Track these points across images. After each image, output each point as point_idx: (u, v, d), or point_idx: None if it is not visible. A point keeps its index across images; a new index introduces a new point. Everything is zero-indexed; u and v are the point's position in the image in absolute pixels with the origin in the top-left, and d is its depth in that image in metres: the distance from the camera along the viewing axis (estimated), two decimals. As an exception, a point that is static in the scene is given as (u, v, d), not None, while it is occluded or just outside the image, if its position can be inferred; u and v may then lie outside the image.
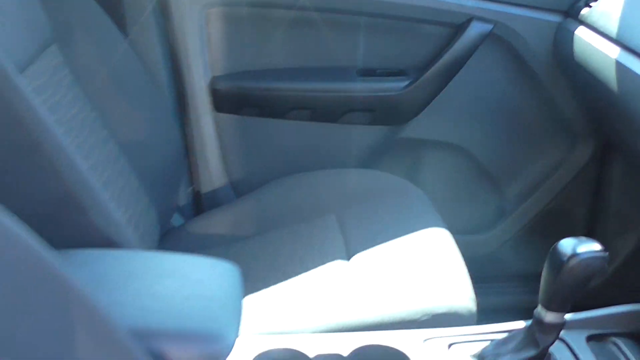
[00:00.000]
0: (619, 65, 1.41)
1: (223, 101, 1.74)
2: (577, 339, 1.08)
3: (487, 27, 1.68)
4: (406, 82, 1.74)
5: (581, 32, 1.58)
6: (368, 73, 1.75)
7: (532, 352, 1.00)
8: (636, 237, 1.75)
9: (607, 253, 0.94)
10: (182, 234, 1.62)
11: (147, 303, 0.86)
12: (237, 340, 0.85)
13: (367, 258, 1.37)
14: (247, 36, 1.72)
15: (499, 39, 1.70)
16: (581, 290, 0.95)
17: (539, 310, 0.98)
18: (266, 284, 1.34)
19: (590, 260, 0.93)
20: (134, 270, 0.93)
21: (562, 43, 1.66)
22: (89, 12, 1.41)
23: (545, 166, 1.84)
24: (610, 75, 1.43)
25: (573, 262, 0.92)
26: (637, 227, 1.74)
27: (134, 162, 1.41)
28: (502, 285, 1.90)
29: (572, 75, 1.68)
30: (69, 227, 1.04)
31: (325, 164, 1.73)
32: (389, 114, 1.77)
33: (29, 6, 1.21)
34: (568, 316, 1.08)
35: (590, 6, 1.62)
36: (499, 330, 1.09)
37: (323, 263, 1.39)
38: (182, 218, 1.76)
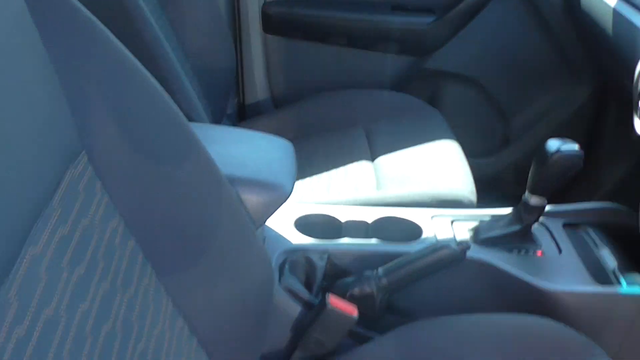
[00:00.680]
0: (616, 13, 1.64)
1: (272, 24, 2.00)
2: (555, 225, 1.35)
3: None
4: (432, 19, 1.99)
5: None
6: (399, 7, 1.99)
7: (517, 228, 1.27)
8: (624, 168, 2.00)
9: (582, 152, 1.20)
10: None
11: (227, 160, 1.13)
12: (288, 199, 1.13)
13: (388, 159, 1.64)
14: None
15: (517, -14, 1.95)
16: (560, 180, 1.22)
17: (526, 194, 1.25)
18: (304, 174, 1.62)
19: (570, 156, 1.19)
20: (213, 137, 1.20)
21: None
22: None
23: (548, 102, 2.09)
24: (608, 22, 1.67)
25: (556, 156, 1.19)
26: (626, 160, 2.00)
27: (195, 68, 1.67)
28: (501, 204, 2.16)
29: (578, 21, 1.92)
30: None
31: (358, 86, 1.98)
32: (415, 45, 2.03)
33: None
34: (549, 207, 1.35)
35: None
36: (493, 213, 1.36)
37: (351, 162, 1.66)
38: (229, 123, 2.03)
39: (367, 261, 1.21)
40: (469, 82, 2.11)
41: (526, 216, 1.26)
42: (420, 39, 2.02)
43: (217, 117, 1.83)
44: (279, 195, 1.10)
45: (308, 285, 1.18)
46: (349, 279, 1.17)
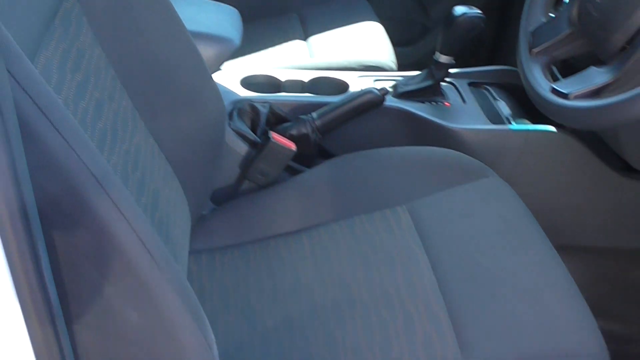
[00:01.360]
0: None
1: None
2: (461, 83, 1.58)
3: None
4: None
5: None
6: None
7: (429, 83, 1.50)
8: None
9: (484, 16, 1.42)
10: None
11: (184, 17, 1.31)
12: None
13: (319, 38, 1.85)
14: None
15: None
16: (464, 40, 1.44)
17: (436, 54, 1.48)
18: (244, 52, 1.81)
19: (473, 17, 1.41)
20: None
21: None
22: None
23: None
24: None
25: (461, 18, 1.41)
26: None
27: None
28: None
29: None
30: None
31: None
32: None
33: None
34: (457, 70, 1.59)
35: None
36: (410, 74, 1.59)
37: (287, 41, 1.86)
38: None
39: (303, 110, 1.43)
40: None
41: (436, 72, 1.49)
42: None
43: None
44: (228, 47, 1.30)
45: (253, 129, 1.39)
46: (288, 124, 1.39)
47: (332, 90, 1.51)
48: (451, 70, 1.53)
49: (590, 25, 1.01)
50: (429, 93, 1.51)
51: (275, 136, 1.30)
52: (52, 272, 0.60)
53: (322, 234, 1.23)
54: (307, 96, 1.47)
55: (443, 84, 1.53)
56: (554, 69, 1.31)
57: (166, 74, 1.10)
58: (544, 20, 1.21)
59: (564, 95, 0.96)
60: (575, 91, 0.94)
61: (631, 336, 1.40)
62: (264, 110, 1.40)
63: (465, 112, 1.48)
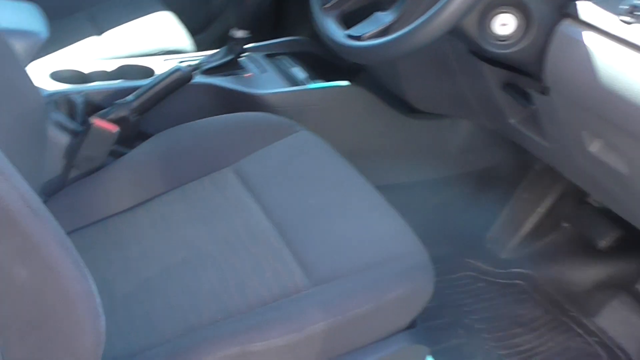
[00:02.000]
0: None
1: None
2: (259, 56, 1.73)
3: None
4: None
5: None
6: None
7: (230, 57, 1.62)
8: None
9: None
10: None
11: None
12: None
13: (116, 34, 1.90)
14: None
15: None
16: (257, 15, 1.58)
17: (231, 31, 1.60)
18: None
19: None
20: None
21: None
22: None
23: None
24: None
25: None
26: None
27: None
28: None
29: None
30: None
31: None
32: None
33: None
34: (254, 44, 1.73)
35: None
36: (211, 52, 1.70)
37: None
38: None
39: (117, 96, 1.49)
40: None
41: (234, 47, 1.62)
42: None
43: None
44: (35, 40, 1.34)
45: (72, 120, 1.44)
46: (105, 110, 1.45)
47: (139, 76, 1.58)
48: (248, 45, 1.66)
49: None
50: (231, 67, 1.63)
51: (96, 121, 1.36)
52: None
53: (158, 206, 1.31)
54: (118, 82, 1.54)
55: (242, 58, 1.66)
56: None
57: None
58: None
59: (358, 38, 1.12)
60: (367, 33, 1.11)
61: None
62: (79, 100, 1.45)
63: (266, 80, 1.62)
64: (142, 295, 1.12)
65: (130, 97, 1.45)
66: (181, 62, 1.66)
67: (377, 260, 1.10)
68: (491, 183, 1.78)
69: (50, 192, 1.37)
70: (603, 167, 1.18)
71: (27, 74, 1.22)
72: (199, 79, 1.56)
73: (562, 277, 1.67)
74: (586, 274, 1.66)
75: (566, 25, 1.09)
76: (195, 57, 1.69)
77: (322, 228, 1.18)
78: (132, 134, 1.45)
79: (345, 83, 1.58)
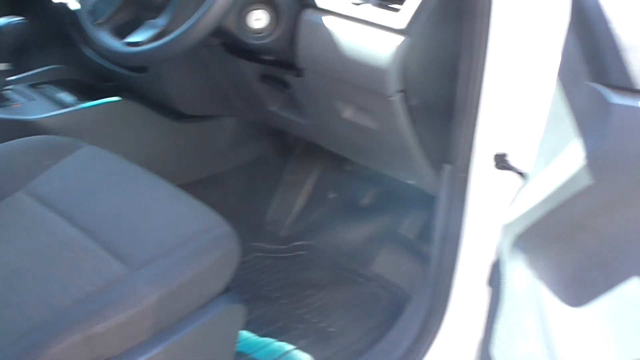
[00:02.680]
0: None
1: None
2: (24, 87, 1.77)
3: None
4: None
5: None
6: None
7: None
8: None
9: (27, 22, 1.62)
10: None
11: None
12: None
13: None
14: None
15: None
16: (12, 46, 1.62)
17: None
18: None
19: (17, 25, 1.60)
20: None
21: None
22: None
23: None
24: None
25: (6, 28, 1.59)
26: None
27: None
28: None
29: None
30: None
31: None
32: None
33: None
34: (17, 77, 1.76)
35: None
36: None
37: None
38: None
39: None
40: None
41: (-3, 82, 1.65)
42: None
43: None
44: None
45: None
46: None
47: None
48: (11, 78, 1.70)
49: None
50: (-2, 101, 1.66)
51: None
52: None
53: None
54: None
55: (6, 91, 1.70)
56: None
57: None
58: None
59: (138, 44, 1.25)
60: (145, 39, 1.24)
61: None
62: None
63: (37, 107, 1.68)
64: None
65: None
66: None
67: (187, 236, 1.23)
68: (263, 171, 1.98)
69: None
70: (357, 128, 1.41)
71: None
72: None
73: (338, 240, 1.91)
74: (357, 232, 1.91)
75: (309, 14, 1.31)
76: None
77: (130, 222, 1.28)
78: None
79: (116, 99, 1.69)
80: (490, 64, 1.25)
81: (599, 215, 1.07)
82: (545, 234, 1.14)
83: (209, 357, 1.23)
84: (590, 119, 1.04)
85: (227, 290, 1.26)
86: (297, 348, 1.59)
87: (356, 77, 1.28)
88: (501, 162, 1.29)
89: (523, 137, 1.25)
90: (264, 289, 1.77)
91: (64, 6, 1.71)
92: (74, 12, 1.52)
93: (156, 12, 1.28)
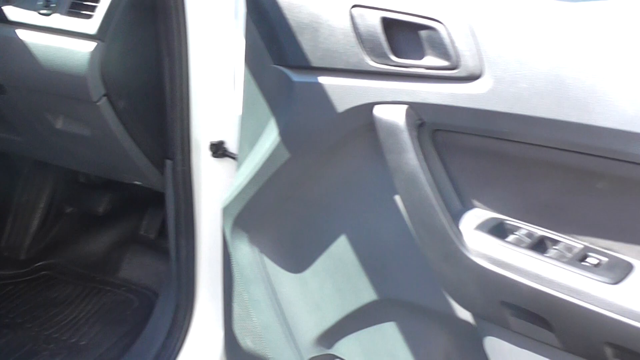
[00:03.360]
0: None
1: None
2: None
3: None
4: None
5: None
6: None
7: None
8: None
9: None
10: None
11: None
12: None
13: None
14: None
15: None
16: None
17: None
18: None
19: None
20: None
21: None
22: None
23: None
24: None
25: None
26: None
27: None
28: None
29: None
30: None
31: None
32: None
33: None
34: None
35: None
36: None
37: None
38: None
39: None
40: None
41: None
42: None
43: None
44: None
45: None
46: None
47: None
48: None
49: None
50: None
51: None
52: None
53: None
54: None
55: None
56: None
57: None
58: None
59: None
60: None
61: None
62: None
63: None
64: None
65: None
66: None
67: None
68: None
69: None
70: (72, 138, 1.41)
71: None
72: None
73: (81, 253, 1.88)
74: (99, 241, 1.90)
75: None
76: None
77: None
78: None
79: None
80: (193, 58, 1.31)
81: (300, 185, 1.16)
82: (260, 210, 1.22)
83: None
84: (279, 99, 1.13)
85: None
86: (49, 368, 1.56)
87: (58, 87, 1.27)
88: (218, 150, 1.35)
89: (233, 123, 1.32)
90: (6, 317, 1.70)
91: None
92: None
93: None
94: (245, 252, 1.26)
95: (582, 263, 0.93)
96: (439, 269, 1.02)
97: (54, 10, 1.24)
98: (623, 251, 0.94)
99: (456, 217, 1.02)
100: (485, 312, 1.01)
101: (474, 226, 1.00)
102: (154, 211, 1.85)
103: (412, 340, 1.17)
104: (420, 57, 0.99)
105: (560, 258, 0.95)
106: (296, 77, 1.09)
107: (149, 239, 1.86)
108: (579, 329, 0.91)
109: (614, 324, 0.88)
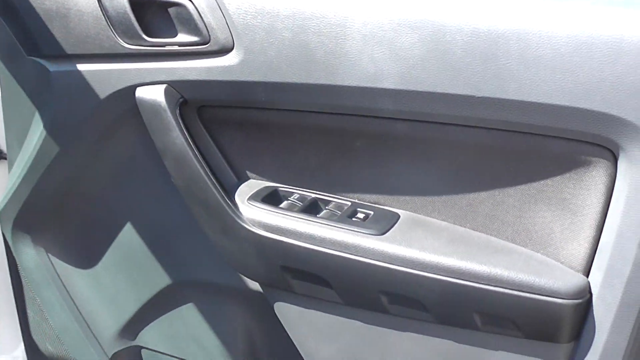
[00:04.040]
0: None
1: None
2: None
3: None
4: None
5: None
6: None
7: None
8: None
9: None
10: None
11: None
12: None
13: None
14: None
15: None
16: None
17: None
18: None
19: None
20: None
21: None
22: None
23: None
24: None
25: None
26: None
27: None
28: None
29: None
30: None
31: None
32: None
33: None
34: None
35: None
36: None
37: None
38: None
39: None
40: None
41: None
42: None
43: None
44: None
45: None
46: None
47: None
48: None
49: None
50: None
51: None
52: None
53: None
54: None
55: None
56: None
57: None
58: None
59: None
60: None
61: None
62: None
63: None
64: None
65: None
66: None
67: None
68: None
69: None
70: None
71: None
72: None
73: None
74: None
75: None
76: None
77: None
78: None
79: None
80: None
81: (76, 179, 1.12)
82: (39, 210, 1.17)
83: None
84: (40, 91, 1.08)
85: None
86: None
87: None
88: (-4, 152, 1.28)
89: None
90: None
91: None
92: None
93: None
94: (30, 255, 1.21)
95: (352, 219, 0.97)
96: (220, 243, 1.03)
97: None
98: (389, 203, 0.99)
99: (231, 191, 1.03)
100: (269, 279, 1.02)
101: (248, 197, 1.01)
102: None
103: (211, 319, 1.17)
104: (174, 35, 0.98)
105: (331, 217, 0.98)
106: (53, 66, 1.05)
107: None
108: (354, 282, 0.95)
109: (385, 272, 0.92)
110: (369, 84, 0.88)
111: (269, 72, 0.92)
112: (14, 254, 1.22)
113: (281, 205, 1.00)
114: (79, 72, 1.03)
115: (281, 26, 0.91)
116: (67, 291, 1.22)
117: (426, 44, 0.85)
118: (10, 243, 1.21)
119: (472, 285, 0.88)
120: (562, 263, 0.89)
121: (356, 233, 0.94)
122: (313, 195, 1.01)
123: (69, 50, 1.03)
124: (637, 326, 0.84)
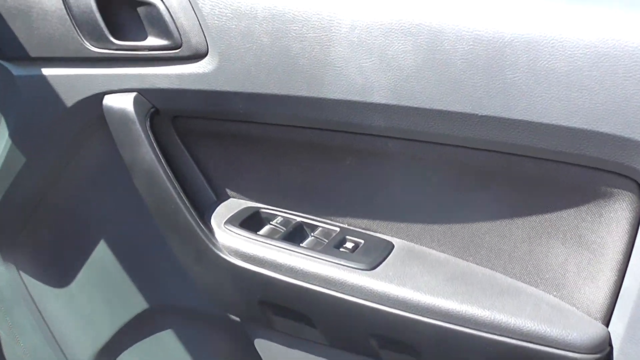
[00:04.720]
0: None
1: None
2: None
3: None
4: None
5: None
6: None
7: None
8: None
9: None
10: None
11: None
12: None
13: None
14: None
15: None
16: None
17: None
18: None
19: None
20: None
21: None
22: None
23: None
24: None
25: None
26: None
27: None
28: None
29: None
30: None
31: None
32: None
33: None
34: None
35: None
36: None
37: None
38: None
39: None
40: None
41: None
42: None
43: None
44: None
45: None
46: None
47: None
48: None
49: None
50: None
51: None
52: None
53: None
54: None
55: None
56: None
57: None
58: None
59: None
60: None
61: None
62: None
63: None
64: None
65: None
66: None
67: None
68: None
69: None
70: None
71: None
72: None
73: None
74: None
75: None
76: None
77: None
78: None
79: None
80: None
81: (46, 191, 1.02)
82: (8, 224, 1.07)
83: None
84: (3, 97, 0.98)
85: None
86: None
87: None
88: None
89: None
90: None
91: None
92: None
93: None
94: (0, 272, 1.11)
95: (340, 250, 0.86)
96: (193, 271, 0.92)
97: None
98: (382, 229, 0.88)
99: (208, 212, 0.92)
100: (247, 313, 0.91)
101: (225, 220, 0.90)
102: None
103: (190, 346, 1.07)
104: (144, 38, 0.87)
105: (316, 246, 0.86)
106: (17, 70, 0.95)
107: None
108: (340, 323, 0.84)
109: (374, 313, 0.81)
110: (357, 98, 0.77)
111: (247, 81, 0.81)
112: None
113: (262, 231, 0.89)
114: (44, 76, 0.93)
115: (259, 30, 0.80)
116: (39, 311, 1.13)
117: (422, 53, 0.73)
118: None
119: (473, 333, 0.76)
120: (577, 308, 0.77)
121: (343, 267, 0.82)
122: (298, 219, 0.90)
123: (33, 53, 0.93)
124: (664, 387, 0.72)
